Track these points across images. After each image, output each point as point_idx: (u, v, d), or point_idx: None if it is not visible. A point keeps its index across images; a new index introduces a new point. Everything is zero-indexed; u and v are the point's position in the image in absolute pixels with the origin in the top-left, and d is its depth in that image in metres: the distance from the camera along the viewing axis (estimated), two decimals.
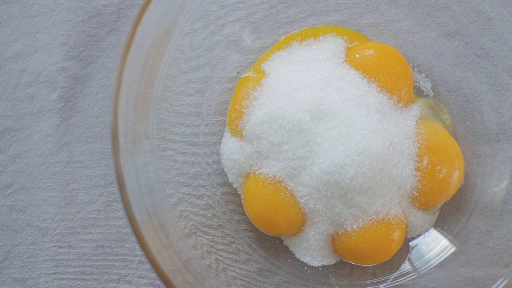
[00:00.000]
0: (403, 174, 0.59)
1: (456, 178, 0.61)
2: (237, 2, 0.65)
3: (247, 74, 0.64)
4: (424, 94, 0.64)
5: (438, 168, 0.60)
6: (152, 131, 0.58)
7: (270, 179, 0.60)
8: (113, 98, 0.50)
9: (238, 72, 0.65)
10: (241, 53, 0.65)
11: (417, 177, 0.60)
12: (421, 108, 0.63)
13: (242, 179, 0.63)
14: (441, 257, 0.63)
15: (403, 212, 0.61)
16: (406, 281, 0.63)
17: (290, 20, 0.65)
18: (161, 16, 0.55)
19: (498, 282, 0.58)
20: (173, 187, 0.63)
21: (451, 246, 0.63)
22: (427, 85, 0.64)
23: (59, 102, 0.66)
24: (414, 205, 0.61)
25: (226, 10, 0.64)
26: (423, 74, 0.65)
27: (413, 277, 0.63)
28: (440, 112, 0.64)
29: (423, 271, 0.63)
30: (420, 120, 0.62)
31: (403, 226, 0.61)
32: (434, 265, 0.63)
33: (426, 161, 0.60)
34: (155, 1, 0.53)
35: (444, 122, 0.64)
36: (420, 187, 0.60)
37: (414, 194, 0.60)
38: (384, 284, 0.63)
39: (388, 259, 0.62)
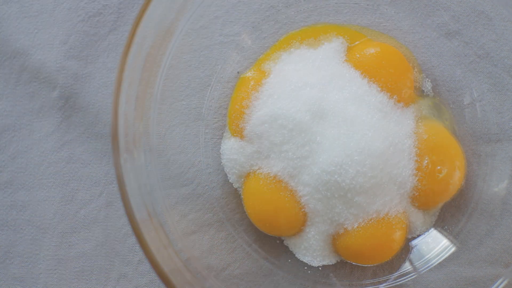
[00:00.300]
0: (404, 173, 0.59)
1: (456, 178, 0.61)
2: (237, 2, 0.65)
3: (247, 74, 0.64)
4: (424, 94, 0.64)
5: (439, 168, 0.60)
6: (152, 130, 0.58)
7: (271, 179, 0.60)
8: (113, 98, 0.50)
9: (238, 72, 0.65)
10: (241, 53, 0.65)
11: (418, 177, 0.60)
12: (422, 108, 0.63)
13: (243, 179, 0.63)
14: (441, 257, 0.63)
15: (404, 212, 0.61)
16: (406, 281, 0.63)
17: (290, 20, 0.65)
18: (161, 16, 0.55)
19: (498, 282, 0.58)
20: (173, 186, 0.63)
21: (451, 246, 0.63)
22: (427, 85, 0.64)
23: (59, 101, 0.66)
24: (415, 205, 0.61)
25: (226, 10, 0.64)
26: (423, 74, 0.65)
27: (413, 277, 0.63)
28: (441, 112, 0.64)
29: (423, 271, 0.63)
30: (421, 120, 0.62)
31: (404, 226, 0.61)
32: (434, 265, 0.63)
33: (426, 161, 0.60)
34: (155, 1, 0.53)
35: (444, 122, 0.64)
36: (420, 187, 0.60)
37: (414, 194, 0.60)
38: (385, 284, 0.63)
39: (388, 259, 0.62)
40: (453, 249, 0.63)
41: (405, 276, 0.63)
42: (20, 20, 0.66)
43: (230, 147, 0.63)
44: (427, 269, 0.63)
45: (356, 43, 0.64)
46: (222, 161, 0.64)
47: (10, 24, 0.66)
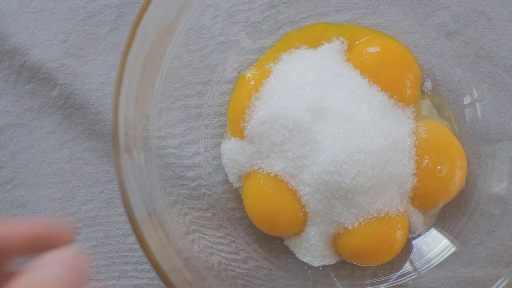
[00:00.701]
0: (404, 173, 0.59)
1: (457, 178, 0.60)
2: (237, 1, 0.65)
3: (248, 73, 0.64)
4: (424, 94, 0.64)
5: (439, 167, 0.60)
6: (152, 129, 0.58)
7: (271, 178, 0.60)
8: (114, 97, 0.50)
9: (238, 72, 0.65)
10: (241, 53, 0.65)
11: (418, 177, 0.60)
12: (422, 108, 0.63)
13: (243, 179, 0.63)
14: (442, 257, 0.63)
15: (405, 212, 0.61)
16: (406, 281, 0.63)
17: (290, 20, 0.65)
18: (161, 15, 0.55)
19: (498, 282, 0.58)
20: (173, 185, 0.64)
21: (451, 246, 0.63)
22: (427, 85, 0.64)
23: (60, 99, 0.66)
24: (415, 205, 0.61)
25: (227, 10, 0.65)
26: (423, 74, 0.65)
27: (414, 277, 0.63)
28: (441, 112, 0.64)
29: (424, 271, 0.63)
30: (421, 120, 0.62)
31: (405, 225, 0.61)
32: (434, 265, 0.63)
33: (427, 160, 0.60)
34: (156, 1, 0.53)
35: (444, 122, 0.64)
36: (420, 186, 0.60)
37: (415, 194, 0.60)
38: (385, 284, 0.63)
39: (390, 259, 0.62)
40: (454, 249, 0.63)
41: (405, 276, 0.63)
42: (18, 16, 0.66)
43: (231, 147, 0.63)
44: (427, 269, 0.63)
45: (357, 42, 0.64)
46: (222, 161, 0.64)
47: (7, 19, 0.66)
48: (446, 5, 0.63)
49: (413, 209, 0.62)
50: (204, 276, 0.60)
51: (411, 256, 0.63)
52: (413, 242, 0.63)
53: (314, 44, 0.64)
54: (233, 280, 0.63)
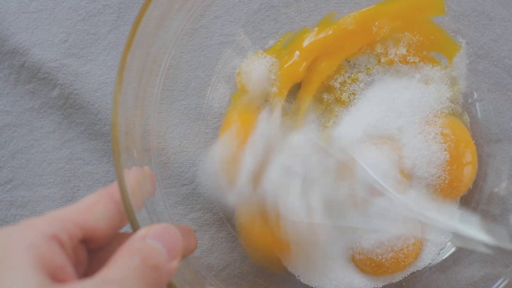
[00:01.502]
0: None
1: (469, 170, 0.60)
2: (237, 1, 0.65)
3: (232, 113, 0.63)
4: None
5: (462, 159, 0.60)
6: (152, 130, 0.58)
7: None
8: (114, 97, 0.50)
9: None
10: (241, 53, 0.65)
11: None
12: None
13: None
14: (442, 257, 0.63)
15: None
16: (406, 281, 0.63)
17: (290, 20, 0.65)
18: (161, 15, 0.55)
19: (498, 282, 0.58)
20: (173, 185, 0.64)
21: (451, 246, 0.63)
22: None
23: (60, 99, 0.66)
24: None
25: (227, 10, 0.65)
26: None
27: (414, 276, 0.63)
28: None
29: (424, 271, 0.63)
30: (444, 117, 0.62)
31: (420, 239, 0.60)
32: (434, 265, 0.63)
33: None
34: (156, 1, 0.53)
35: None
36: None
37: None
38: (385, 284, 0.63)
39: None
40: (453, 249, 0.63)
41: (406, 276, 0.63)
42: (18, 16, 0.66)
43: None
44: (428, 269, 0.63)
45: None
46: None
47: (7, 19, 0.66)
48: (446, 5, 0.63)
49: None
50: (204, 276, 0.60)
51: None
52: None
53: None
54: (233, 280, 0.63)
